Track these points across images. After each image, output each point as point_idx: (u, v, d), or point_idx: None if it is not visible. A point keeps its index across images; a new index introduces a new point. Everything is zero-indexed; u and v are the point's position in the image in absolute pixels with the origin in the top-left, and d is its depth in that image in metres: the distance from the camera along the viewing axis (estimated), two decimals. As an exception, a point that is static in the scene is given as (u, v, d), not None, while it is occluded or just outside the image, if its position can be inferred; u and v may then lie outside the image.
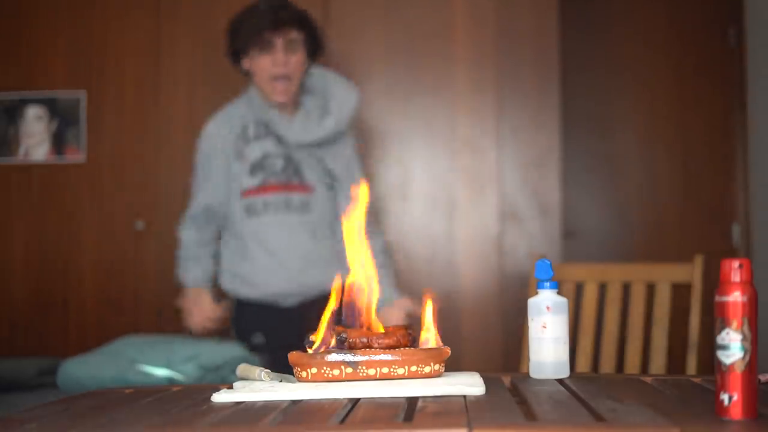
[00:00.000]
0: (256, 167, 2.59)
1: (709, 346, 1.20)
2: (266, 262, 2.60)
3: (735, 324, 1.01)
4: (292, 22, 2.53)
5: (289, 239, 2.59)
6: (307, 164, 2.62)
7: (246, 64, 2.60)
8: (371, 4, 3.73)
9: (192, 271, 2.73)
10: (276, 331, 2.63)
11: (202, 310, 2.62)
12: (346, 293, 1.41)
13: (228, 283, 2.71)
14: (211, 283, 2.71)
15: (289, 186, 2.58)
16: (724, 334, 1.01)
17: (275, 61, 2.51)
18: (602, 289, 2.64)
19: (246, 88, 2.69)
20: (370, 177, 3.24)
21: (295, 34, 2.54)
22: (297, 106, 2.64)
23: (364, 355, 1.31)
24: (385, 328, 1.39)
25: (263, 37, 2.50)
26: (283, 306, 2.64)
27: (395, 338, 1.34)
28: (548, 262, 1.41)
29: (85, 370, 3.23)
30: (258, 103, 2.62)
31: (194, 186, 2.71)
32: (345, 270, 2.50)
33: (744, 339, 1.01)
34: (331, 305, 1.40)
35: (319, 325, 1.37)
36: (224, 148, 2.62)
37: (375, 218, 2.76)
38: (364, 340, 1.34)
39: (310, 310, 2.39)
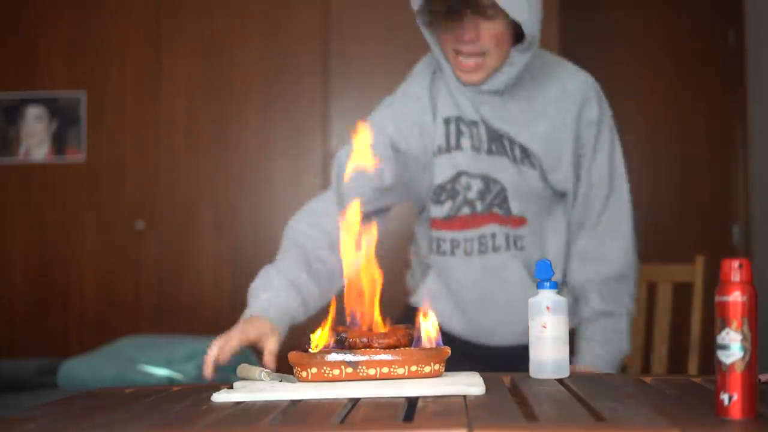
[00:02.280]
0: (442, 191, 1.88)
1: (709, 346, 1.20)
2: (451, 307, 1.92)
3: (735, 324, 1.01)
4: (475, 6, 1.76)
5: (485, 287, 1.87)
6: (515, 184, 1.86)
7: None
8: (371, 4, 3.73)
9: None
10: None
11: None
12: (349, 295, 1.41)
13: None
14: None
15: (489, 217, 1.86)
16: (724, 334, 1.01)
17: (460, 32, 1.77)
18: (602, 289, 2.63)
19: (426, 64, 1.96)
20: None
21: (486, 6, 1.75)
22: (506, 93, 1.87)
23: (364, 355, 1.31)
24: (386, 328, 1.39)
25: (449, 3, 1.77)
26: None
27: (395, 338, 1.34)
28: (548, 262, 1.41)
29: (85, 369, 3.23)
30: (453, 85, 1.87)
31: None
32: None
33: (744, 339, 1.01)
34: (332, 307, 1.40)
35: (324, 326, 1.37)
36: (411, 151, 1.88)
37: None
38: (364, 340, 1.34)
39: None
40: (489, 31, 1.78)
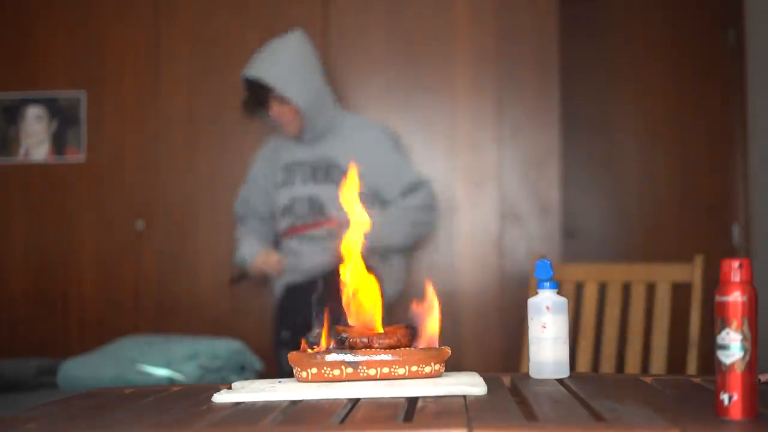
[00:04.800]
0: (285, 211, 3.18)
1: (709, 346, 1.20)
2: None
3: (735, 324, 1.01)
4: (272, 97, 3.12)
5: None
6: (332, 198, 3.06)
7: None
8: (371, 4, 3.73)
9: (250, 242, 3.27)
10: None
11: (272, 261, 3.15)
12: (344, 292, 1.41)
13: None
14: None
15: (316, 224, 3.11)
16: (724, 334, 1.02)
17: (270, 113, 3.16)
18: (602, 289, 2.64)
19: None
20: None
21: (278, 97, 3.10)
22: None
23: (364, 355, 1.31)
24: (386, 328, 1.39)
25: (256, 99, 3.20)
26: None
27: (396, 338, 1.35)
28: (548, 262, 1.41)
29: (85, 370, 3.23)
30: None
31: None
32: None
33: (744, 339, 1.01)
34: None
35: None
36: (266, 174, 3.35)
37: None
38: (365, 340, 1.34)
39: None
40: (282, 109, 3.09)
